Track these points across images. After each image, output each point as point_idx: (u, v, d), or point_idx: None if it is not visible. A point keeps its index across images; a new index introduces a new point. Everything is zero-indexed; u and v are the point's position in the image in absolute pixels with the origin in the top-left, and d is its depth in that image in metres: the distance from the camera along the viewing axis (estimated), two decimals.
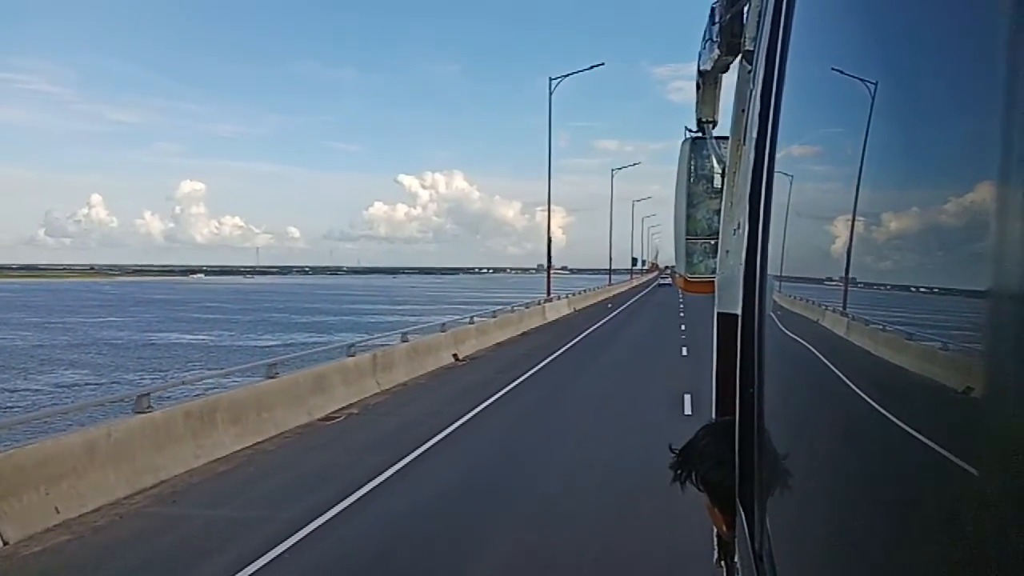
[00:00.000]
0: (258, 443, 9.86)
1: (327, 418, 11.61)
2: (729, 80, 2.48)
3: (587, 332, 26.25)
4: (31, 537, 6.40)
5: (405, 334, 16.57)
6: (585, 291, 48.16)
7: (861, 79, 0.75)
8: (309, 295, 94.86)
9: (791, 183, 1.10)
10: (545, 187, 36.86)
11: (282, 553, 6.11)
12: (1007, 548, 0.42)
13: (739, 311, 1.31)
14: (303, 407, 11.41)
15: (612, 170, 70.13)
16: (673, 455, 1.62)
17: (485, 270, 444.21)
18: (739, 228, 1.68)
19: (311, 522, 6.78)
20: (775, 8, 1.18)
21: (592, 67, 36.33)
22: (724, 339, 2.01)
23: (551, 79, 35.65)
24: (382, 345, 16.25)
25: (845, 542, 0.76)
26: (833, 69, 0.88)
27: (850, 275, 0.79)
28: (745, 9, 1.95)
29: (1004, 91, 0.43)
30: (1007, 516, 0.42)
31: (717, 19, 2.19)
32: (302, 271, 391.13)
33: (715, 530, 1.72)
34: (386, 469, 8.53)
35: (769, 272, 1.16)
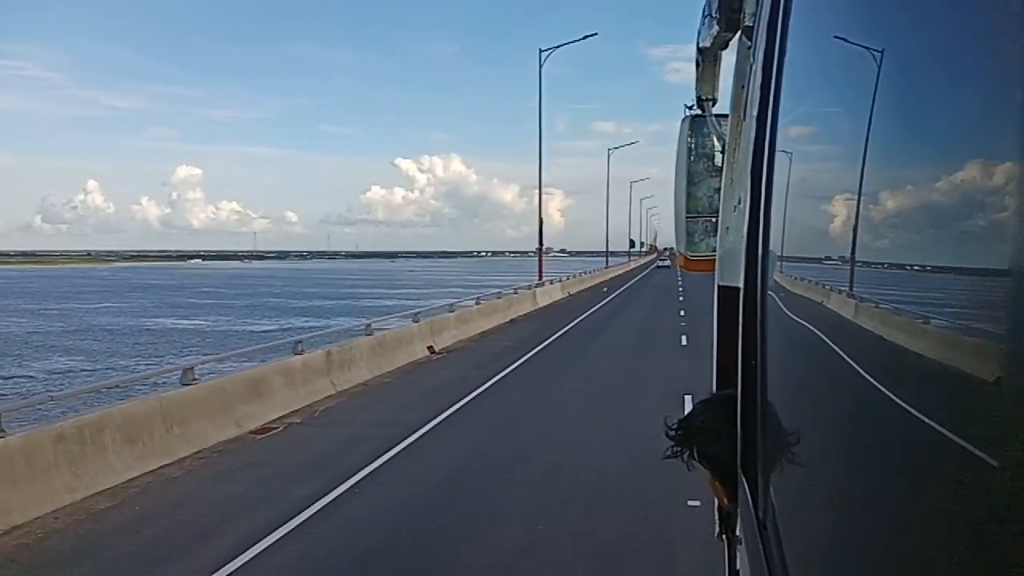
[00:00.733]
0: (163, 467, 8.04)
1: (261, 430, 9.79)
2: (729, 58, 2.44)
3: (579, 319, 24.38)
4: None
5: (369, 326, 14.69)
6: (581, 274, 46.41)
7: (865, 48, 0.74)
8: (306, 280, 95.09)
9: (793, 157, 1.10)
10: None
11: None
12: (1009, 518, 0.42)
13: (741, 284, 1.31)
14: (230, 417, 9.58)
15: (608, 149, 67.98)
16: (670, 429, 1.61)
17: (484, 253, 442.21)
18: (740, 204, 1.77)
19: None
20: None
21: (584, 37, 34.27)
22: (725, 312, 2.09)
23: (541, 51, 33.63)
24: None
25: (847, 508, 0.77)
26: (836, 38, 0.87)
27: (854, 250, 0.77)
28: None
29: (1020, 60, 0.41)
30: (1008, 490, 0.42)
31: None
32: (300, 256, 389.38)
33: (716, 503, 1.77)
34: (306, 508, 6.71)
35: (771, 246, 1.15)
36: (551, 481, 7.50)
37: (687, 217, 2.93)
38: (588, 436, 9.31)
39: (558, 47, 34.25)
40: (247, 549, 5.74)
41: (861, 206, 0.73)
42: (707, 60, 2.68)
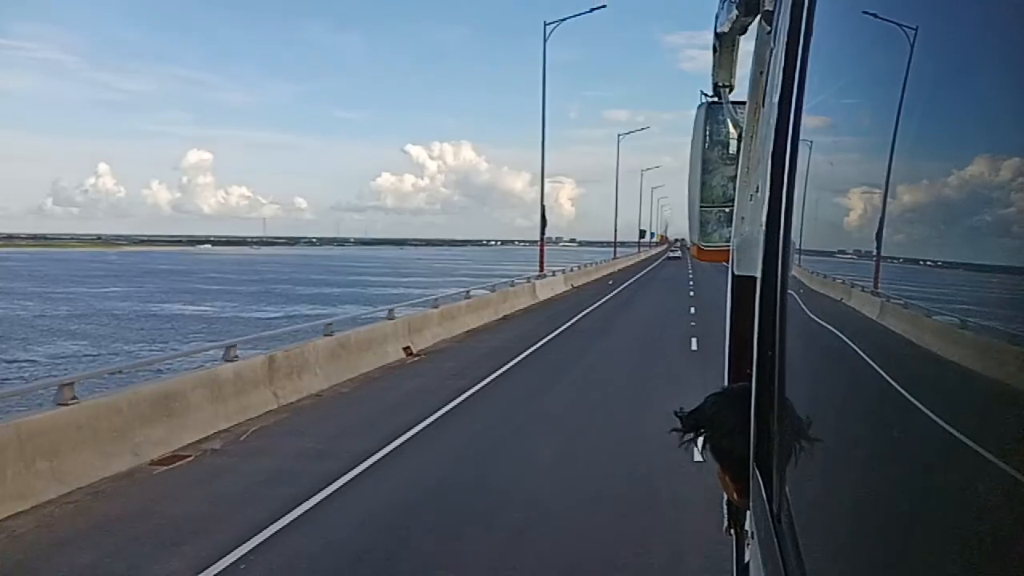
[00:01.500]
0: (8, 519, 6.17)
1: (167, 460, 7.90)
2: (746, 44, 2.38)
3: (580, 316, 22.37)
4: None
5: (329, 325, 12.75)
6: (587, 265, 44.36)
7: (896, 28, 0.69)
8: (315, 266, 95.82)
9: (814, 144, 1.06)
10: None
11: None
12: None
13: (758, 274, 1.28)
14: (126, 444, 7.69)
15: (619, 135, 65.60)
16: (679, 419, 1.57)
17: (493, 242, 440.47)
18: (757, 192, 1.73)
19: None
20: None
21: (592, 10, 31.95)
22: (740, 302, 2.09)
23: (546, 23, 31.48)
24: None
25: (864, 503, 0.75)
26: (864, 17, 0.82)
27: (880, 242, 0.73)
28: None
29: None
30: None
31: None
32: (309, 242, 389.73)
33: (725, 498, 1.74)
34: None
35: (792, 236, 1.12)
36: (511, 554, 5.55)
37: (701, 207, 2.89)
38: (571, 479, 7.31)
39: (564, 20, 32.15)
40: None
41: (888, 197, 0.69)
42: (724, 46, 2.63)
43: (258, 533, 5.89)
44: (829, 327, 0.95)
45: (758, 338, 1.23)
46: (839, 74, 0.96)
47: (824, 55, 1.01)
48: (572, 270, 37.22)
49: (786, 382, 1.09)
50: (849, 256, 0.90)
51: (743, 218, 2.20)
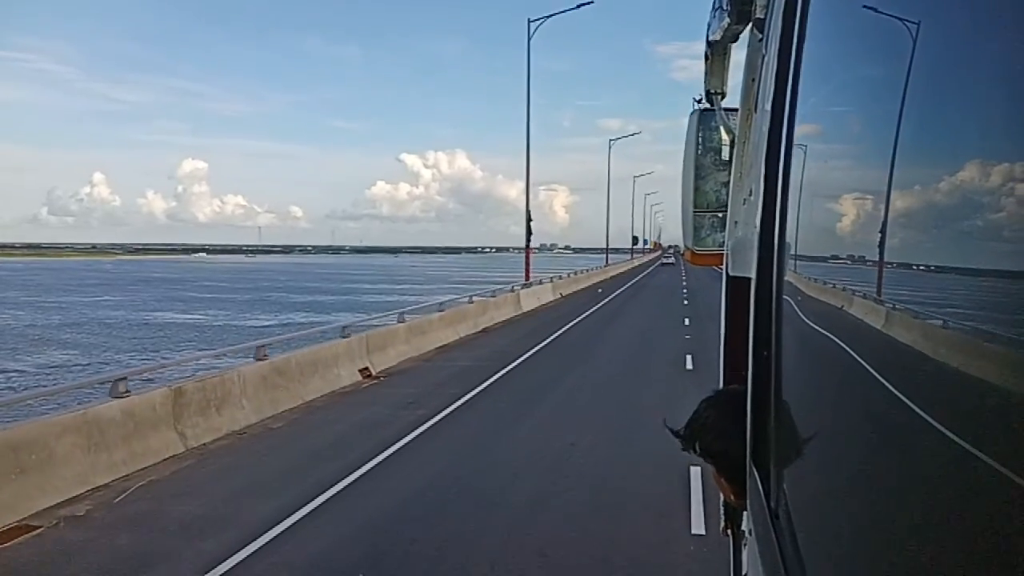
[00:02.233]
0: None
1: (4, 535, 6.05)
2: (738, 51, 2.42)
3: (565, 328, 20.55)
4: None
5: (262, 348, 10.89)
6: (578, 272, 42.64)
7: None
8: (309, 274, 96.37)
9: (808, 148, 1.07)
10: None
11: None
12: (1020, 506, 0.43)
13: (753, 275, 1.28)
14: None
15: (609, 141, 64.13)
16: (673, 433, 1.60)
17: (488, 249, 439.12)
18: (750, 196, 1.76)
19: None
20: None
21: (579, 6, 30.21)
22: (735, 302, 2.15)
23: (530, 20, 29.78)
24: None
25: (862, 498, 0.76)
26: (856, 25, 0.83)
27: (883, 246, 0.73)
28: None
29: None
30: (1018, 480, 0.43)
31: None
32: (304, 250, 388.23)
33: (722, 499, 1.74)
34: None
35: (787, 238, 1.13)
36: None
37: (695, 212, 2.93)
38: (528, 570, 5.49)
39: (550, 16, 30.41)
40: None
41: (879, 202, 0.70)
42: (717, 53, 2.68)
43: None
44: (822, 328, 0.96)
45: (753, 337, 1.23)
46: (830, 80, 0.98)
47: (815, 61, 1.03)
48: (561, 278, 35.45)
49: (782, 379, 1.10)
50: (846, 255, 0.90)
51: (736, 222, 2.25)
